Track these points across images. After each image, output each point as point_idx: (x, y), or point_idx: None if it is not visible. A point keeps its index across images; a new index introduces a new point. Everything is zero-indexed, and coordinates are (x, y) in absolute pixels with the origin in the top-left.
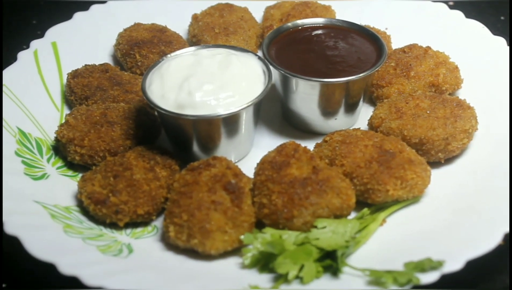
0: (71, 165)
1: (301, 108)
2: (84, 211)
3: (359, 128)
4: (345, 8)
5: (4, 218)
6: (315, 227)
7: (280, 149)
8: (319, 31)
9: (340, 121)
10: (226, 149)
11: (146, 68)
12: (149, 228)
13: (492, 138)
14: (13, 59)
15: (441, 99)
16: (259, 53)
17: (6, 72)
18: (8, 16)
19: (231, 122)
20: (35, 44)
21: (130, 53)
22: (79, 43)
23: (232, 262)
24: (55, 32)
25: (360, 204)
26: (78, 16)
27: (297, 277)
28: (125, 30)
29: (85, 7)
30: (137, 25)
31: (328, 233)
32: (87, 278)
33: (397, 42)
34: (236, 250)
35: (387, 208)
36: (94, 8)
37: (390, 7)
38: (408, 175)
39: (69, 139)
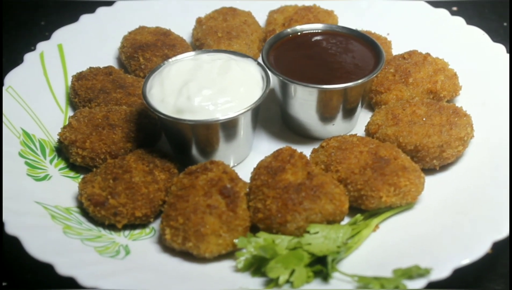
0: (73, 167)
1: (299, 113)
2: (84, 212)
3: (357, 134)
4: (347, 13)
5: (5, 218)
6: (308, 232)
7: (276, 155)
8: (318, 37)
9: (338, 127)
10: (225, 153)
11: (149, 71)
12: (147, 230)
13: (488, 145)
14: (21, 60)
15: (437, 106)
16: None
17: (12, 74)
18: (18, 17)
19: (229, 126)
20: (41, 46)
21: (134, 56)
22: (85, 45)
23: (226, 265)
24: (61, 34)
25: (354, 210)
26: (84, 18)
27: (287, 281)
28: (129, 33)
29: (93, 7)
30: (141, 28)
31: (320, 238)
32: (83, 279)
33: (398, 47)
34: (230, 254)
35: (380, 214)
36: (100, 10)
37: (392, 12)
38: (401, 182)
39: (71, 141)
